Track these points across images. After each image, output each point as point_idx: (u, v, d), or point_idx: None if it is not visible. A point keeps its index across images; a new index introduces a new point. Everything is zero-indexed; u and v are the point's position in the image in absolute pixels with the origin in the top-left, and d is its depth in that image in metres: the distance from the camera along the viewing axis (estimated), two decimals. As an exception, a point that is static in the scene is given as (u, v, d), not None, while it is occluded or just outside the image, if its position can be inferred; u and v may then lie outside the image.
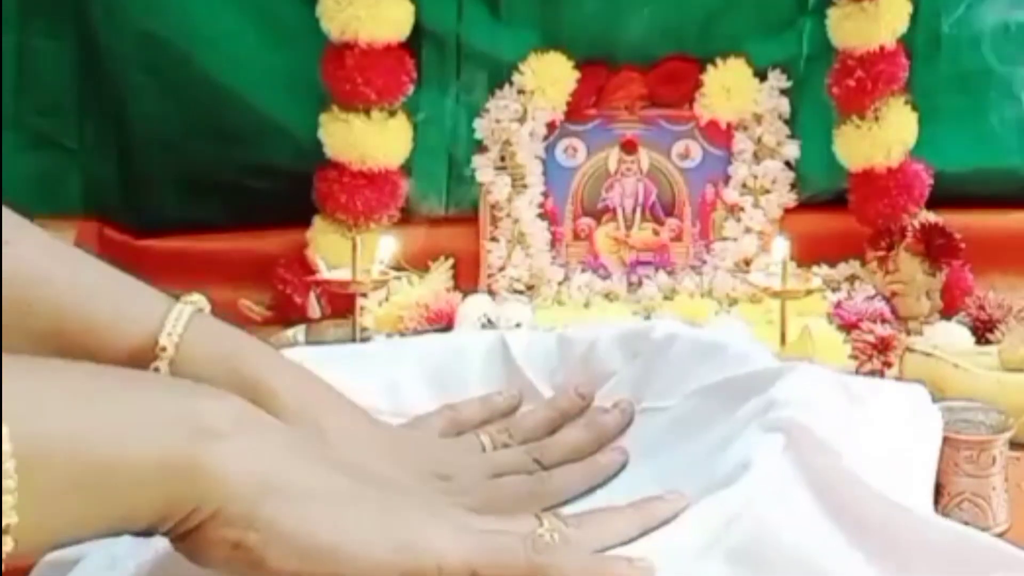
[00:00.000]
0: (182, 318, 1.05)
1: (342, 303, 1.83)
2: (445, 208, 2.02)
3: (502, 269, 1.97)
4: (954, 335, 1.74)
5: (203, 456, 0.81)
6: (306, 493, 0.85)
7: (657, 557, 0.94)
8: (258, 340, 1.12)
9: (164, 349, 1.03)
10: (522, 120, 1.96)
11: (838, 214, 1.98)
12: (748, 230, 1.97)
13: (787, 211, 1.98)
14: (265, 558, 0.83)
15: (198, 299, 1.10)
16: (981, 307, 1.81)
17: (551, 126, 1.98)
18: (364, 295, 1.76)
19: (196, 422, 0.82)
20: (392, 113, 1.94)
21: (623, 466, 1.16)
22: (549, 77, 1.95)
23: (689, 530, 0.97)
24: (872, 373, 1.66)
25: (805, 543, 0.99)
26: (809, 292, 1.71)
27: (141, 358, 1.03)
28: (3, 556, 0.77)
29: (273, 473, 0.84)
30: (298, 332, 1.79)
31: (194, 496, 0.81)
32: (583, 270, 1.98)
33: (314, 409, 1.06)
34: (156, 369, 1.03)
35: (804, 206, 1.99)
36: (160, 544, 0.98)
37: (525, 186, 1.97)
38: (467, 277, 1.97)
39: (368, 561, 0.85)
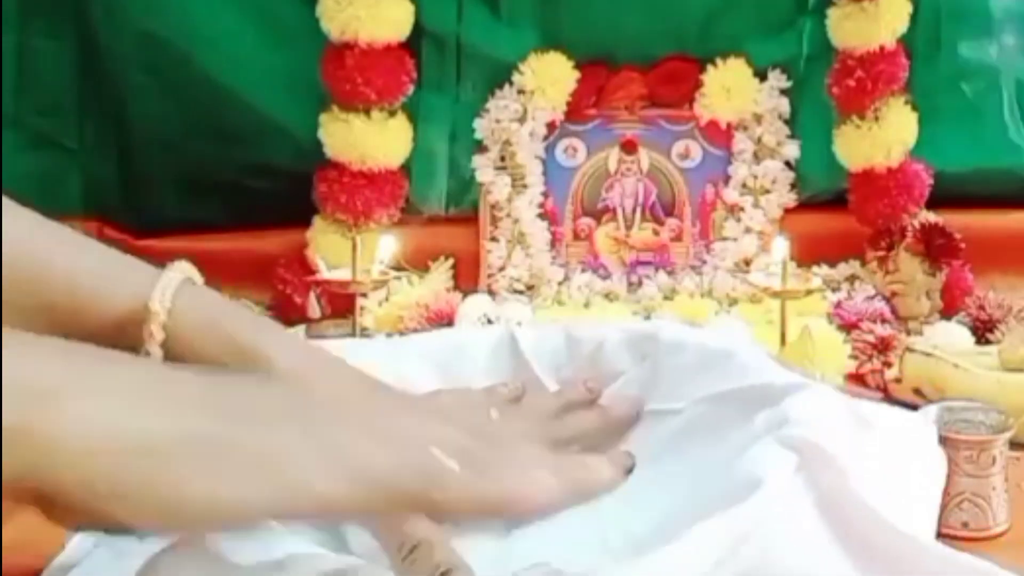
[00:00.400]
0: (171, 284, 1.04)
1: (342, 303, 1.83)
2: (445, 208, 2.02)
3: (502, 269, 1.97)
4: (954, 335, 1.74)
5: (37, 422, 0.76)
6: (154, 445, 0.79)
7: None
8: (250, 310, 1.11)
9: (155, 313, 1.01)
10: (522, 120, 1.97)
11: (838, 214, 1.98)
12: (748, 230, 1.97)
13: (787, 211, 1.98)
14: (126, 519, 0.79)
15: (186, 267, 1.09)
16: (981, 307, 1.81)
17: (551, 126, 1.98)
18: (364, 295, 1.76)
19: (32, 385, 0.77)
20: (392, 113, 1.94)
21: (630, 469, 1.16)
22: (549, 77, 1.95)
23: (696, 551, 0.97)
24: (872, 373, 1.66)
25: (812, 568, 0.99)
26: (809, 292, 1.71)
27: (131, 322, 1.01)
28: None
29: (114, 431, 0.78)
30: (298, 332, 1.79)
31: (33, 464, 0.77)
32: (583, 270, 1.98)
33: (308, 373, 1.04)
34: (150, 334, 1.01)
35: (804, 206, 1.99)
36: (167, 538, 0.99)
37: (525, 186, 1.98)
38: (467, 277, 1.97)
39: (236, 504, 0.81)
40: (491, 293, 1.94)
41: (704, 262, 1.98)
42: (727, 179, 1.98)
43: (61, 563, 1.12)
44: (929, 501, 1.17)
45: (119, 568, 1.02)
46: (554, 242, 1.98)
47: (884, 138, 1.91)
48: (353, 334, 1.72)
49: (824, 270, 1.92)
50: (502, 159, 1.98)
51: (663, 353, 1.24)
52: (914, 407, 1.29)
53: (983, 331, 1.77)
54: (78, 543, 1.18)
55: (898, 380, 1.58)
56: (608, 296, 1.97)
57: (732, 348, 1.24)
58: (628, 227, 1.99)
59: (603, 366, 1.27)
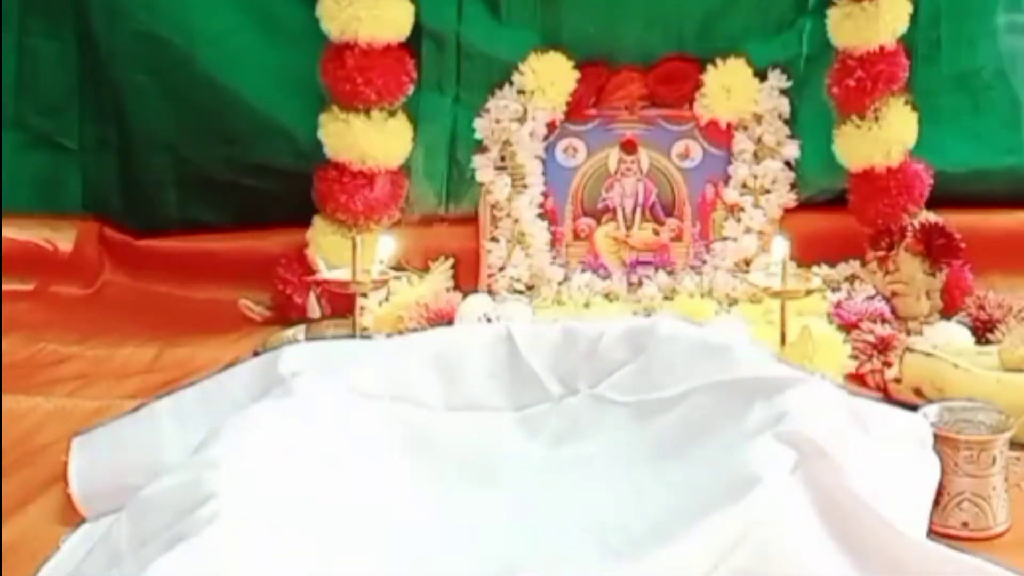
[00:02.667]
0: None
1: (342, 303, 1.83)
2: (445, 208, 2.03)
3: (502, 269, 1.97)
4: (954, 335, 1.74)
5: None
6: None
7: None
8: None
9: None
10: (522, 120, 1.97)
11: (838, 214, 1.98)
12: (748, 230, 1.97)
13: (787, 211, 1.98)
14: None
15: None
16: (981, 307, 1.81)
17: (551, 126, 1.98)
18: (364, 295, 1.76)
19: None
20: (392, 113, 1.94)
21: None
22: (549, 77, 1.96)
23: (695, 550, 0.97)
24: (872, 373, 1.66)
25: (810, 566, 1.00)
26: (809, 292, 1.71)
27: None
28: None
29: None
30: (298, 332, 1.80)
31: None
32: (583, 270, 1.98)
33: None
34: None
35: (804, 206, 1.99)
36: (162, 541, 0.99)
37: (525, 186, 1.98)
38: (467, 277, 1.97)
39: None
40: (491, 293, 1.94)
41: (704, 262, 1.98)
42: (727, 179, 1.98)
43: (55, 566, 1.12)
44: (923, 499, 1.17)
45: (113, 571, 1.02)
46: (554, 242, 1.98)
47: (884, 138, 1.91)
48: (353, 334, 1.72)
49: (824, 270, 1.92)
50: (502, 159, 1.98)
51: (660, 345, 1.24)
52: (914, 407, 1.30)
53: (983, 331, 1.77)
54: (73, 546, 1.18)
55: (898, 380, 1.58)
56: (608, 296, 1.97)
57: (730, 342, 1.24)
58: (628, 227, 1.99)
59: (600, 359, 1.27)
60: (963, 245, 1.86)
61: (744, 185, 1.98)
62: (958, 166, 1.99)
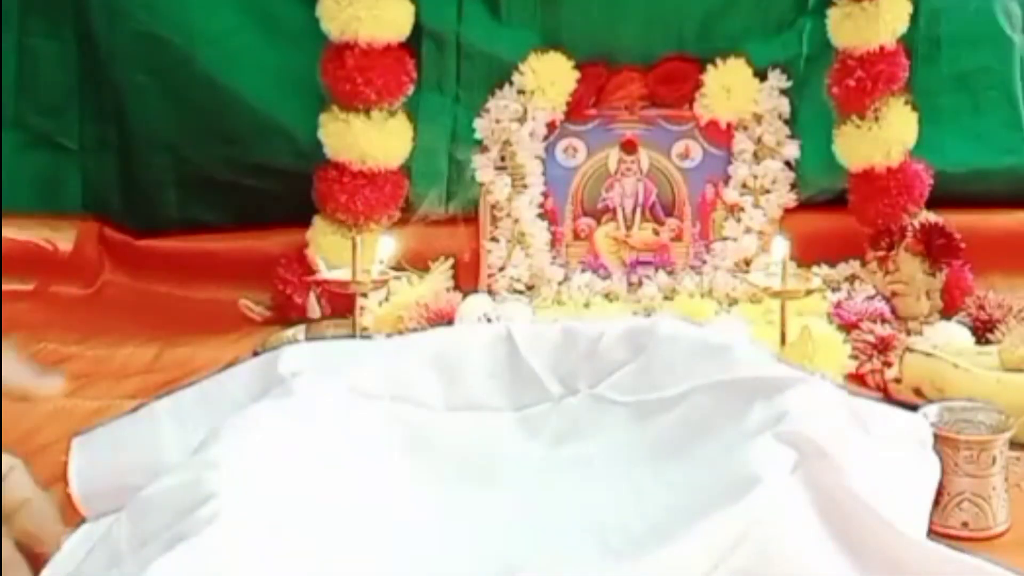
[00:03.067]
0: None
1: (342, 303, 1.83)
2: (445, 208, 2.03)
3: (502, 269, 1.97)
4: (954, 335, 1.74)
5: None
6: None
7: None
8: None
9: None
10: (522, 120, 1.97)
11: (838, 214, 1.98)
12: (748, 230, 1.97)
13: (787, 211, 1.98)
14: None
15: None
16: (981, 307, 1.81)
17: (551, 126, 1.98)
18: (364, 295, 1.76)
19: None
20: (392, 113, 1.94)
21: None
22: (549, 77, 1.96)
23: (695, 550, 0.97)
24: (872, 373, 1.66)
25: (810, 566, 1.00)
26: (809, 292, 1.71)
27: None
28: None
29: None
30: (298, 332, 1.80)
31: None
32: (583, 270, 1.98)
33: None
34: None
35: (804, 206, 1.99)
36: (162, 542, 0.99)
37: (525, 186, 1.98)
38: (467, 277, 1.97)
39: None
40: (491, 293, 1.94)
41: (704, 262, 1.98)
42: (727, 179, 1.98)
43: (55, 566, 1.11)
44: (923, 499, 1.17)
45: (113, 571, 1.02)
46: (554, 242, 1.99)
47: (884, 138, 1.91)
48: (353, 334, 1.72)
49: (824, 270, 1.92)
50: (502, 159, 1.98)
51: (660, 345, 1.24)
52: (914, 407, 1.29)
53: (983, 331, 1.77)
54: (73, 546, 1.18)
55: (898, 380, 1.58)
56: (608, 296, 1.97)
57: (730, 342, 1.24)
58: (628, 227, 1.99)
59: (600, 359, 1.27)
60: (963, 245, 1.86)
61: (744, 185, 1.98)
62: (958, 166, 1.99)
